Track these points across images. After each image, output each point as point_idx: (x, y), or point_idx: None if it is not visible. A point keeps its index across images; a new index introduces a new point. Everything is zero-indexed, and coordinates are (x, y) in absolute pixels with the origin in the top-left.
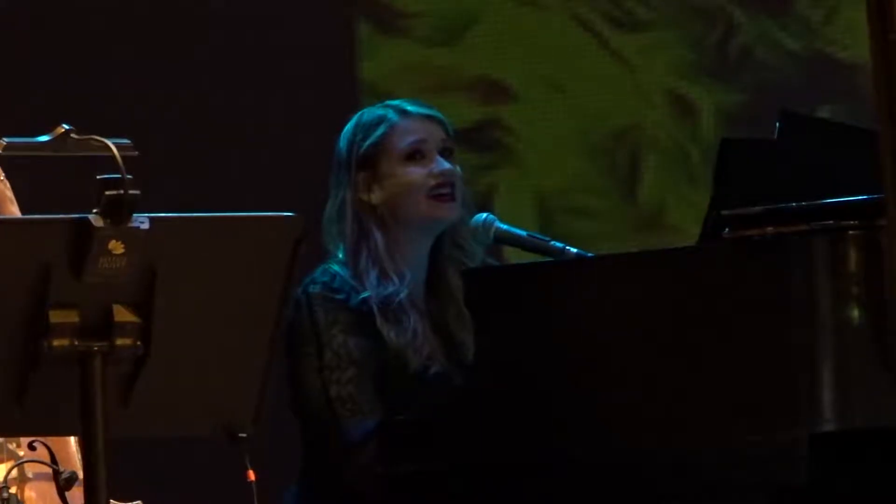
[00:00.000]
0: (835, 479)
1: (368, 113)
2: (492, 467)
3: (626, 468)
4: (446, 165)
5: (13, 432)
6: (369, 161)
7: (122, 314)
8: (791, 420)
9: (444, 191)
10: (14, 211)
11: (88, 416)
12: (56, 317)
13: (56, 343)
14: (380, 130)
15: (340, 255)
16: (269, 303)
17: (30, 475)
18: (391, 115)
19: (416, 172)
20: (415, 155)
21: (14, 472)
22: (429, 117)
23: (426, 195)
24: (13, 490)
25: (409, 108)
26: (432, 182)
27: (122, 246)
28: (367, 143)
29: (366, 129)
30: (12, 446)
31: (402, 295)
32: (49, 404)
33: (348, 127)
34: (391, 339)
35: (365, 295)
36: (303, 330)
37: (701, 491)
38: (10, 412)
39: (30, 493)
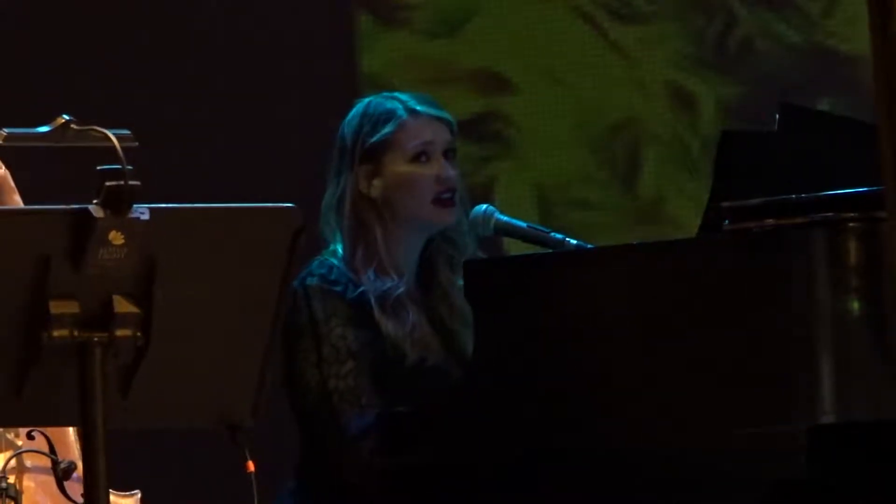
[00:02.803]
0: (834, 472)
1: (376, 105)
2: (490, 460)
3: (624, 461)
4: (452, 172)
5: (13, 423)
6: (374, 155)
7: (122, 305)
8: (790, 413)
9: (448, 196)
10: (17, 200)
11: (88, 407)
12: (56, 307)
13: (56, 334)
14: (388, 128)
15: (338, 247)
16: (269, 294)
17: (28, 465)
18: (401, 112)
19: (422, 175)
20: (421, 156)
21: (13, 462)
22: (438, 119)
23: (431, 199)
24: (11, 480)
25: (419, 107)
26: (438, 188)
27: (122, 237)
28: (375, 137)
29: (374, 122)
30: (11, 436)
31: (400, 290)
32: (49, 395)
33: (353, 116)
34: (389, 332)
35: (362, 289)
36: (300, 323)
37: (699, 484)
38: (9, 403)
39: (28, 482)
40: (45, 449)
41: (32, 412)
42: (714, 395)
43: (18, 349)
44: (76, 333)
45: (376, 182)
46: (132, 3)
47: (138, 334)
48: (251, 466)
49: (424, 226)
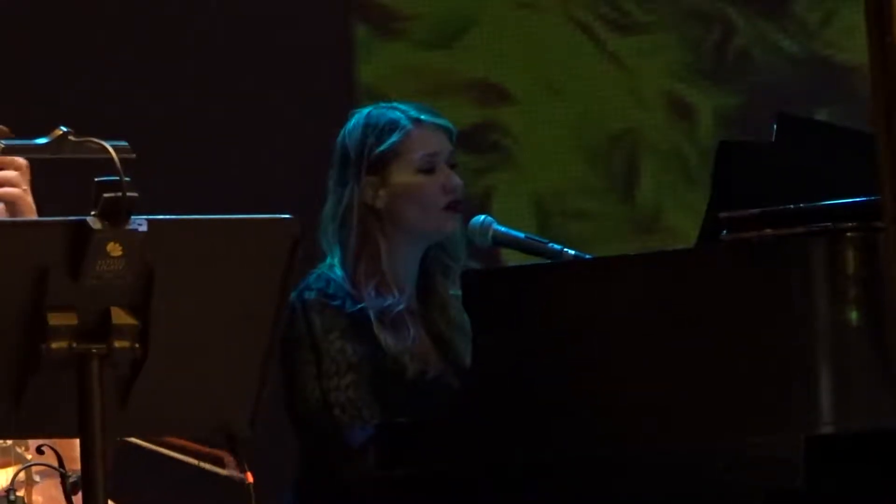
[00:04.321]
0: (832, 481)
1: (377, 115)
2: (491, 470)
3: (623, 470)
4: (459, 181)
5: (11, 434)
6: (379, 165)
7: (120, 316)
8: (789, 422)
9: (455, 204)
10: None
11: (86, 419)
12: (54, 319)
13: (54, 345)
14: (394, 137)
15: (336, 259)
16: (267, 305)
17: (37, 479)
18: (405, 122)
19: (429, 185)
20: (426, 167)
21: (21, 476)
22: (441, 128)
23: (439, 208)
24: (20, 493)
25: (423, 117)
26: (445, 197)
27: (120, 248)
28: (381, 148)
29: (378, 132)
30: (20, 449)
31: (401, 307)
32: (47, 406)
33: (354, 126)
34: (388, 345)
35: (362, 305)
36: (299, 337)
37: (698, 492)
38: (7, 414)
39: (37, 496)
40: (55, 463)
41: (31, 423)
42: (712, 404)
43: (17, 360)
44: (74, 345)
45: (382, 192)
46: (130, 13)
47: (136, 346)
48: (250, 477)
49: (428, 235)
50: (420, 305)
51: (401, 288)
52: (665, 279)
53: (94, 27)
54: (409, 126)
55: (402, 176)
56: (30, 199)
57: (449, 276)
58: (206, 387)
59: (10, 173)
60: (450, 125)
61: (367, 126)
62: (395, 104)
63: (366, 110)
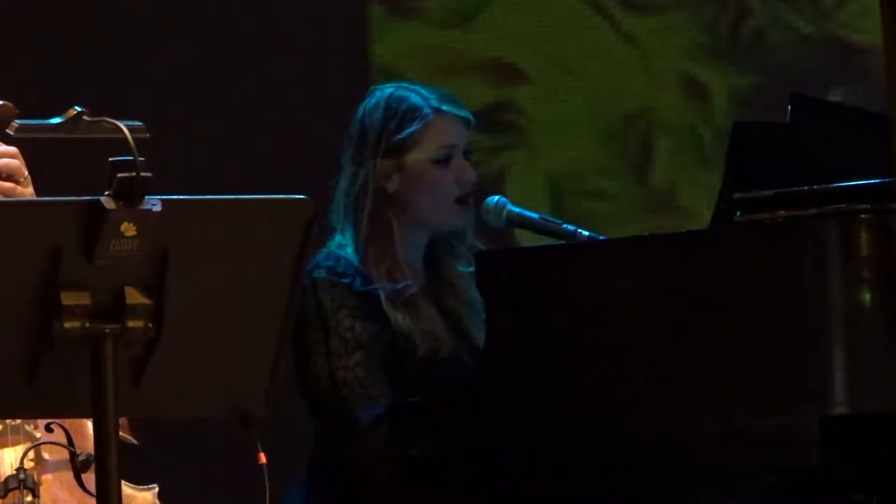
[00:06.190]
0: (845, 463)
1: (399, 98)
2: (502, 450)
3: (635, 450)
4: (473, 175)
5: (25, 413)
6: (396, 151)
7: (134, 296)
8: (802, 404)
9: (465, 196)
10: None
11: (100, 398)
12: (68, 299)
13: (68, 325)
14: (415, 126)
15: (348, 238)
16: (281, 285)
17: (46, 457)
18: (427, 110)
19: (443, 176)
20: (442, 157)
21: (31, 454)
22: (461, 119)
23: (452, 201)
24: (30, 471)
25: (445, 107)
26: (458, 190)
27: (134, 228)
28: (401, 134)
29: (399, 118)
30: (29, 428)
31: (412, 290)
32: (60, 386)
33: (375, 107)
34: (399, 324)
35: (372, 287)
36: (308, 316)
37: (711, 473)
38: (21, 393)
39: (46, 474)
40: (64, 441)
41: (44, 402)
42: (726, 385)
43: (31, 340)
44: (88, 324)
45: (395, 177)
46: None
47: (150, 325)
48: (263, 458)
49: (434, 226)
50: (429, 284)
51: (412, 270)
52: (679, 260)
53: (108, 5)
54: (431, 116)
55: (417, 164)
56: (30, 189)
57: (455, 254)
58: (220, 366)
59: (13, 162)
60: (470, 116)
61: (388, 109)
62: (417, 87)
63: (388, 90)
